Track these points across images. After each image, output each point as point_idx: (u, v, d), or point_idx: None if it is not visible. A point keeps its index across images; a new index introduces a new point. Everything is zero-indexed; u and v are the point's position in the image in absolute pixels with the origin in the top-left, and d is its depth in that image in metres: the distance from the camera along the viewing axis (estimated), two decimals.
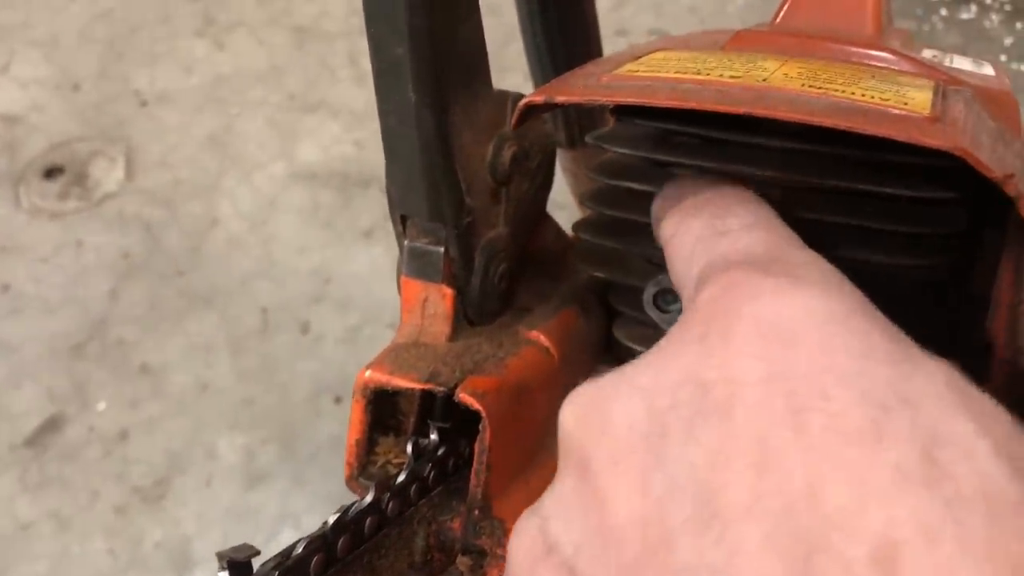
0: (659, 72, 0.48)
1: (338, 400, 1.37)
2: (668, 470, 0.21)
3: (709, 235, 0.30)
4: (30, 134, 1.84)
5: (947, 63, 0.64)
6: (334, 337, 1.46)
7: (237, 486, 1.30)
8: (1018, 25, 1.81)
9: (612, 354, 0.66)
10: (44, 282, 1.58)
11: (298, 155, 1.74)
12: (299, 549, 0.41)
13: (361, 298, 1.50)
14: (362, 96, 1.82)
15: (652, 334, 0.61)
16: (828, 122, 0.42)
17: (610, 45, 1.91)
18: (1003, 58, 1.79)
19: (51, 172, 1.77)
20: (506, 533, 0.51)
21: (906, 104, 0.45)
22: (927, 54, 0.65)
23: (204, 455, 1.33)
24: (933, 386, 0.21)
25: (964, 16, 1.80)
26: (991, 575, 0.18)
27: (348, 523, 0.43)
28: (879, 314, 0.24)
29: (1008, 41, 1.83)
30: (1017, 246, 0.48)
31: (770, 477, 0.19)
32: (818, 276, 0.25)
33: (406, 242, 0.58)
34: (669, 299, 0.59)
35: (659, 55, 0.53)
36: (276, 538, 1.21)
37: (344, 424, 1.43)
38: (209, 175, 1.71)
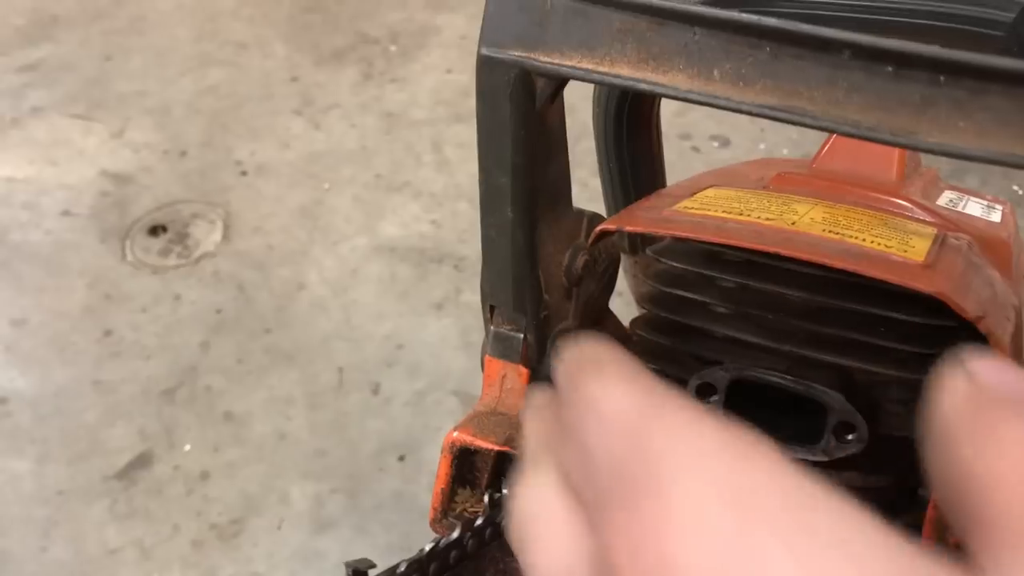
0: (708, 211, 0.59)
1: (402, 458, 1.49)
2: None
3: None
4: (139, 194, 2.02)
5: (960, 207, 0.75)
6: (402, 400, 1.58)
7: (306, 531, 1.41)
8: None
9: None
10: (142, 330, 1.73)
11: (380, 230, 1.89)
12: (402, 568, 0.52)
13: (429, 365, 1.62)
14: (442, 180, 1.98)
15: None
16: (838, 264, 0.53)
17: (675, 147, 2.04)
18: None
19: (155, 230, 1.95)
20: None
21: (906, 252, 0.56)
22: (945, 199, 0.76)
23: (277, 500, 1.45)
24: None
25: None
26: None
27: (439, 552, 0.54)
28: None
29: None
30: None
31: None
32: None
33: (492, 328, 0.70)
34: (710, 391, 0.70)
35: (710, 192, 0.65)
36: None
37: (406, 481, 1.55)
38: (299, 243, 1.87)
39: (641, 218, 0.59)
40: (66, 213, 1.97)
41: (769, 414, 0.68)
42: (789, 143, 1.95)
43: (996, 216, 0.75)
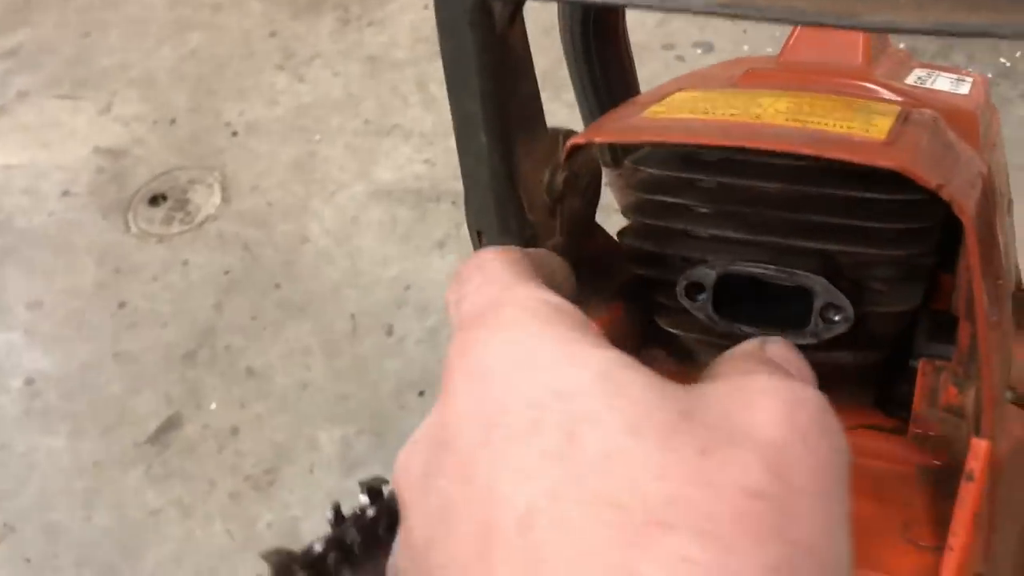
0: (676, 113, 0.61)
1: (421, 394, 1.52)
2: (433, 495, 0.28)
3: (454, 303, 0.33)
4: (135, 166, 2.04)
5: (928, 83, 0.77)
6: (415, 338, 1.61)
7: (337, 473, 1.46)
8: None
9: (655, 339, 0.79)
10: (156, 298, 1.77)
11: (375, 175, 1.90)
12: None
13: (439, 302, 1.65)
14: (430, 119, 1.98)
15: (687, 320, 0.74)
16: (800, 149, 0.55)
17: (659, 57, 2.01)
18: None
19: (155, 199, 1.97)
20: None
21: (868, 131, 0.57)
22: (914, 76, 0.77)
23: (306, 446, 1.50)
24: (583, 381, 0.26)
25: None
26: (595, 516, 0.23)
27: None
28: (562, 317, 0.29)
29: None
30: (969, 238, 0.60)
31: (471, 486, 0.25)
32: (514, 314, 0.29)
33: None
34: (699, 290, 0.72)
35: (679, 96, 0.67)
36: None
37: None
38: (297, 197, 1.89)
39: (610, 128, 0.60)
40: (66, 193, 1.99)
41: (759, 306, 0.71)
42: (773, 41, 1.93)
43: (964, 89, 0.76)
